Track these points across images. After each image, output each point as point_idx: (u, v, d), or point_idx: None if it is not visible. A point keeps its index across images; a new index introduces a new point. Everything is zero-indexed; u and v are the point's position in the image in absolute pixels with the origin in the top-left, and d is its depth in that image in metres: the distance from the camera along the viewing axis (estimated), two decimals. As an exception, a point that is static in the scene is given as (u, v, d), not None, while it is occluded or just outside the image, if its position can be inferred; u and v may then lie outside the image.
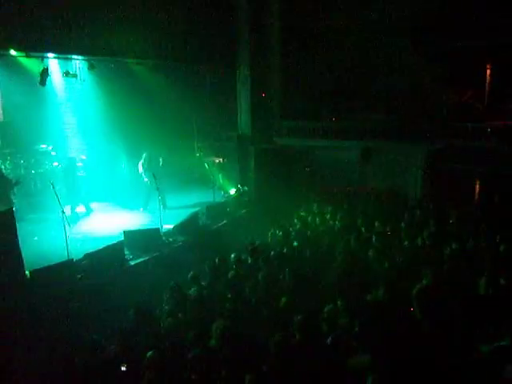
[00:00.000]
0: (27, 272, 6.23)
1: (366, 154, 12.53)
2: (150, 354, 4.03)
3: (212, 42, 11.63)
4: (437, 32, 11.64)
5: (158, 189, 9.17)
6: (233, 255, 6.56)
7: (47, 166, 10.67)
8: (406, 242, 7.09)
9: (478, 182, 11.73)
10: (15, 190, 7.46)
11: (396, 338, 4.09)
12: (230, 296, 5.28)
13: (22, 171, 10.26)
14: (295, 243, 7.48)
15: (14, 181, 7.47)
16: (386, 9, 12.07)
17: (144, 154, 10.28)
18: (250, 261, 6.62)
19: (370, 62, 12.71)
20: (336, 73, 12.96)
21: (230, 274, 5.87)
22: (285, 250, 6.90)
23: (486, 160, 10.91)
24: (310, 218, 9.39)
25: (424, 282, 4.87)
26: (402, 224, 8.18)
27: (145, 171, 10.14)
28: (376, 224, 8.32)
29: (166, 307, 5.37)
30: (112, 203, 10.88)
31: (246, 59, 12.56)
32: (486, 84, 12.37)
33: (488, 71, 12.29)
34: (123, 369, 4.10)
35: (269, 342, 3.98)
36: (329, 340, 4.12)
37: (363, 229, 7.98)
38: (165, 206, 10.06)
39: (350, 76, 12.86)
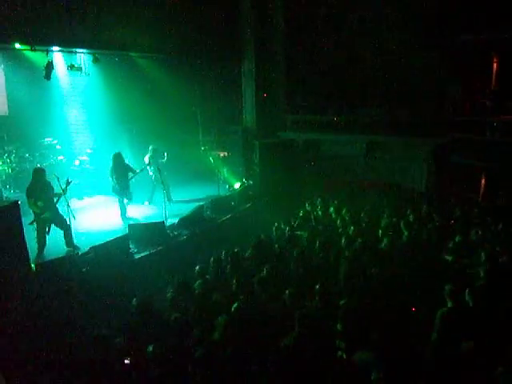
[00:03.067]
0: (33, 265, 6.28)
1: (371, 148, 12.48)
2: (150, 348, 4.05)
3: (216, 36, 11.56)
4: (443, 26, 11.50)
5: (162, 182, 9.22)
6: (236, 249, 6.55)
7: (52, 160, 10.70)
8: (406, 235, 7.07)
9: (483, 177, 11.65)
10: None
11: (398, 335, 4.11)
12: (234, 290, 5.30)
13: (27, 165, 10.30)
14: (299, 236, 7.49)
15: (67, 181, 7.43)
16: (390, 3, 11.98)
17: (150, 147, 10.27)
18: (253, 255, 6.62)
19: (375, 57, 12.61)
20: (341, 67, 12.87)
21: (234, 268, 5.88)
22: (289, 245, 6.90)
23: (492, 154, 10.82)
24: (314, 212, 9.37)
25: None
26: (410, 218, 8.13)
27: (150, 164, 10.16)
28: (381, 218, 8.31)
29: (171, 300, 5.38)
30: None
31: (250, 53, 12.49)
32: (493, 78, 12.23)
33: (495, 65, 12.14)
34: (127, 362, 4.12)
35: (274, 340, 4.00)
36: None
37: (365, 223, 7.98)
38: (169, 200, 10.11)
39: (355, 70, 12.78)
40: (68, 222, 7.45)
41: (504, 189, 10.81)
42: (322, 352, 4.07)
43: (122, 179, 9.01)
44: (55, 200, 7.30)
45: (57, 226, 7.41)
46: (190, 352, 4.12)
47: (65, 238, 7.46)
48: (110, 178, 9.09)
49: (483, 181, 11.65)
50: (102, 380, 4.08)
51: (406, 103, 12.42)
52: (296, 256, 6.06)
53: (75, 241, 7.56)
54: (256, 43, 12.45)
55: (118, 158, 9.05)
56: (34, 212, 7.06)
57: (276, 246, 6.91)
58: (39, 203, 6.99)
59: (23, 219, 6.32)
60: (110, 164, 9.13)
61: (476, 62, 11.86)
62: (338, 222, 8.38)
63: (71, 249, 7.40)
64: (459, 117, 11.71)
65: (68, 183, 7.35)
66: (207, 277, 5.76)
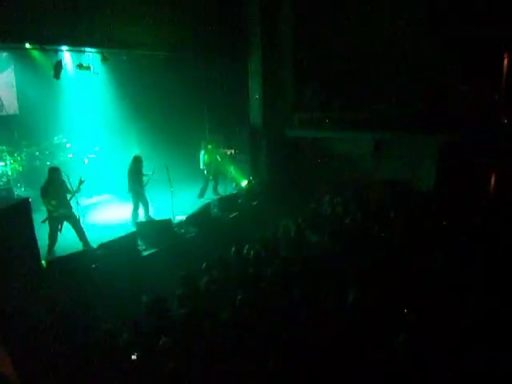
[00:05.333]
0: (43, 261, 6.38)
1: (379, 146, 12.41)
2: (163, 340, 4.10)
3: (223, 34, 11.57)
4: (452, 21, 11.38)
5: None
6: (246, 246, 6.59)
7: (62, 158, 10.84)
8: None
9: (492, 175, 11.52)
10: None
11: None
12: (240, 287, 5.33)
13: (38, 163, 10.46)
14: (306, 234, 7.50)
15: (80, 180, 7.57)
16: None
17: (203, 144, 11.10)
18: (263, 254, 6.64)
19: (384, 53, 12.52)
20: (349, 64, 12.79)
21: (240, 266, 5.92)
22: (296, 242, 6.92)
23: (501, 153, 10.69)
24: (321, 210, 9.36)
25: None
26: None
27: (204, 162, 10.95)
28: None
29: (178, 297, 5.44)
30: (126, 194, 10.98)
31: (257, 51, 12.46)
32: (503, 74, 12.07)
33: (505, 61, 11.98)
34: (133, 357, 4.17)
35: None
36: None
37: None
38: (216, 193, 11.33)
39: (364, 67, 12.70)
40: (81, 223, 7.55)
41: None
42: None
43: (141, 183, 8.89)
44: (69, 198, 7.41)
45: (70, 224, 7.52)
46: (197, 346, 4.16)
47: (80, 239, 7.56)
48: (131, 182, 8.78)
49: (493, 178, 11.52)
50: (109, 375, 4.15)
51: (416, 100, 12.32)
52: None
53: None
54: (263, 41, 12.41)
55: (139, 162, 8.87)
56: (47, 210, 7.18)
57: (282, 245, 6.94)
58: (53, 202, 7.11)
59: (35, 216, 6.44)
60: (131, 167, 8.84)
61: (486, 59, 11.71)
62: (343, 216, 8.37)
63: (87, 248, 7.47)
64: (469, 114, 11.57)
65: (81, 182, 7.49)
66: (213, 273, 5.82)
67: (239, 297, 4.71)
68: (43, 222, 7.10)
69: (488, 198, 11.05)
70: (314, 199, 10.36)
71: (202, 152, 11.05)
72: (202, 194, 11.06)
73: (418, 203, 9.74)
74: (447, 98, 12.08)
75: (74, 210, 7.50)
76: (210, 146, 11.29)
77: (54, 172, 7.34)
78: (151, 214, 9.24)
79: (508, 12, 10.50)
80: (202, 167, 11.03)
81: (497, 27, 10.82)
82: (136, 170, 8.85)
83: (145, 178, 9.01)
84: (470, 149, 11.17)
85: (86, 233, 7.70)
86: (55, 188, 7.21)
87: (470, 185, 10.71)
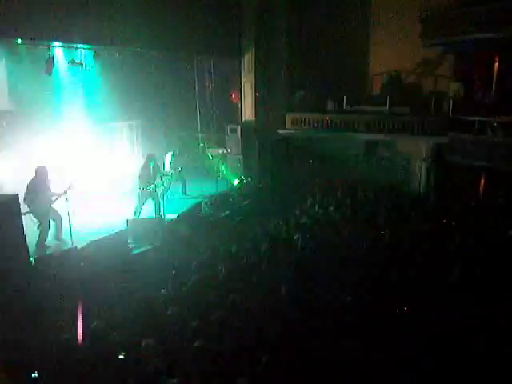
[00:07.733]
0: (32, 259, 6.34)
1: (370, 147, 12.50)
2: (146, 342, 4.09)
3: (217, 32, 11.54)
4: (445, 24, 11.48)
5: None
6: (234, 246, 6.61)
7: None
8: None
9: (483, 177, 11.64)
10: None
11: None
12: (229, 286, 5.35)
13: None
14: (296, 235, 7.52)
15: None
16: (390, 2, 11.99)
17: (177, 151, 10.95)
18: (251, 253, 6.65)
19: (376, 55, 12.61)
20: (341, 64, 12.86)
21: (231, 265, 5.93)
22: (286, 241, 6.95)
23: (492, 155, 10.81)
24: (312, 210, 9.40)
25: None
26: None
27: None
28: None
29: (168, 296, 5.44)
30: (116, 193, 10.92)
31: (250, 49, 12.47)
32: (494, 77, 12.21)
33: (496, 64, 12.12)
34: (121, 357, 4.16)
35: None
36: None
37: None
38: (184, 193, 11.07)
39: (356, 68, 12.78)
40: (61, 216, 7.50)
41: (504, 189, 10.81)
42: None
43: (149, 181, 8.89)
44: (54, 199, 7.37)
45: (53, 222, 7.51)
46: (187, 344, 4.17)
47: (55, 230, 7.56)
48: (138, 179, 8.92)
49: (483, 181, 11.65)
50: (98, 373, 4.14)
51: (407, 102, 12.42)
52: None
53: (73, 236, 7.59)
54: (256, 39, 12.42)
55: (147, 159, 8.96)
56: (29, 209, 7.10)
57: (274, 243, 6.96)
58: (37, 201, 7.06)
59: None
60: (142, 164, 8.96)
61: (477, 61, 11.83)
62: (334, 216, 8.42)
63: (59, 242, 7.51)
64: (460, 116, 11.69)
65: (72, 184, 7.42)
66: (203, 272, 5.82)
67: (232, 296, 4.72)
68: (38, 227, 7.08)
69: (478, 200, 11.19)
70: (306, 199, 10.41)
71: (171, 154, 10.81)
72: (184, 192, 11.11)
73: (409, 204, 9.83)
74: (439, 100, 12.19)
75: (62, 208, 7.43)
76: (201, 145, 11.29)
77: (41, 171, 7.27)
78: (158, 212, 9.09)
79: (498, 15, 10.62)
80: (168, 170, 10.61)
81: (487, 30, 10.93)
82: (144, 167, 8.85)
83: (165, 178, 9.18)
84: (461, 151, 11.30)
85: (75, 230, 7.63)
86: (41, 187, 7.14)
87: (460, 186, 10.83)
